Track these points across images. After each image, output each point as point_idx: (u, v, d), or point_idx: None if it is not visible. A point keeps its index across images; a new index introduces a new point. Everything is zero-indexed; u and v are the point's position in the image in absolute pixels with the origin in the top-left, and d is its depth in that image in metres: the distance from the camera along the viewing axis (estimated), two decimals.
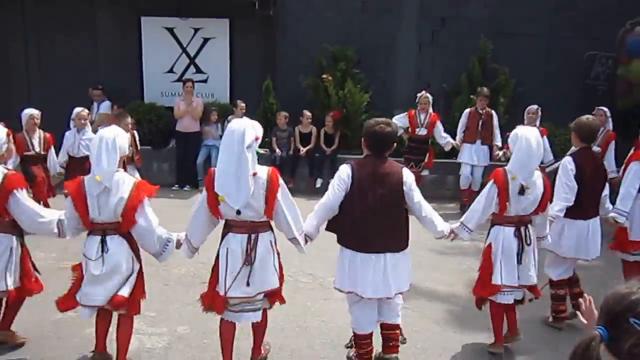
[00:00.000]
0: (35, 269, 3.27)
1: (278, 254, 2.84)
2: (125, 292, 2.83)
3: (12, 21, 8.38)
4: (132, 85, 8.30)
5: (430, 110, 6.73)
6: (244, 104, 7.61)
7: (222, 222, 2.83)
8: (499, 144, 6.71)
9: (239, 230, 2.70)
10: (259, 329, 2.98)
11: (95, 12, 8.33)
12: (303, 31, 8.26)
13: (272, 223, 2.82)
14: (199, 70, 8.46)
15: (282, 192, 2.72)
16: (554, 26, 8.20)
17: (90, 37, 8.33)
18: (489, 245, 3.20)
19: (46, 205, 4.95)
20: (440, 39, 8.43)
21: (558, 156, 6.33)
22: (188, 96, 7.62)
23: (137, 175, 5.99)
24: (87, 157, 5.73)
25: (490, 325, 3.32)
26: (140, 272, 2.94)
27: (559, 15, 8.19)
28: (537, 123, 6.30)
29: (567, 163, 3.48)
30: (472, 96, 7.28)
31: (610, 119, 5.86)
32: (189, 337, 3.43)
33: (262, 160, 2.83)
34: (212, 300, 2.80)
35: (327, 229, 2.99)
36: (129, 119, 6.07)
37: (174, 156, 7.79)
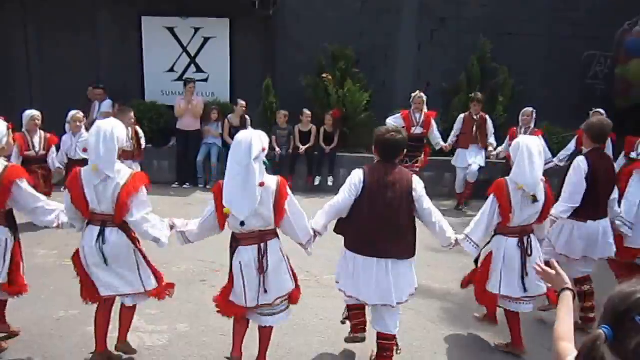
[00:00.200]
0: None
1: (287, 258, 2.88)
2: (151, 284, 2.93)
3: (13, 20, 8.42)
4: (133, 84, 8.35)
5: (425, 109, 6.74)
6: (244, 103, 7.65)
7: (222, 232, 2.86)
8: (494, 143, 6.73)
9: (248, 243, 2.73)
10: (265, 335, 2.96)
11: (97, 12, 8.37)
12: (303, 31, 8.28)
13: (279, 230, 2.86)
14: (199, 70, 8.50)
15: (290, 202, 2.76)
16: (553, 26, 8.22)
17: (92, 37, 8.36)
18: (490, 254, 3.20)
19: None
20: (439, 39, 8.46)
21: (557, 152, 6.38)
22: (189, 95, 7.65)
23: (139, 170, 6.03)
24: (85, 160, 5.82)
25: (488, 324, 3.37)
26: (146, 260, 2.97)
27: (558, 15, 8.20)
28: (532, 125, 6.34)
29: (580, 163, 3.41)
30: (471, 95, 7.30)
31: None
32: (189, 334, 3.46)
33: (268, 162, 2.86)
34: (229, 309, 2.85)
35: (336, 230, 3.02)
36: (132, 114, 6.10)
37: (174, 154, 7.84)
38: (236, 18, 8.32)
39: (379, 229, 2.85)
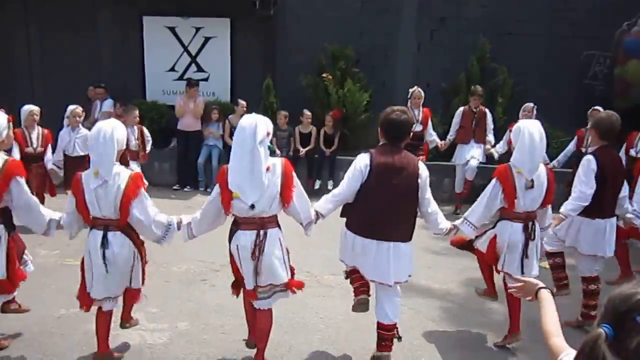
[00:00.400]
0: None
1: (287, 251, 2.86)
2: (137, 284, 2.98)
3: (15, 20, 8.43)
4: (134, 84, 8.36)
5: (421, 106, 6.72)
6: (244, 103, 7.65)
7: (227, 220, 2.87)
8: (492, 141, 6.72)
9: (247, 227, 2.71)
10: (262, 331, 2.93)
11: (98, 12, 8.38)
12: (303, 31, 8.29)
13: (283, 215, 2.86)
14: (200, 69, 8.52)
15: (295, 183, 2.78)
16: (553, 26, 8.22)
17: (93, 37, 8.37)
18: (495, 237, 3.22)
19: (41, 201, 4.97)
20: (439, 39, 8.46)
21: (553, 157, 6.34)
22: (191, 97, 7.66)
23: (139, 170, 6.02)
24: (83, 157, 5.77)
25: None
26: (143, 264, 3.00)
27: (557, 15, 8.21)
28: None
29: (589, 162, 3.39)
30: (471, 89, 7.28)
31: None
32: (189, 333, 3.47)
33: (272, 145, 2.88)
34: (244, 291, 2.89)
35: (342, 215, 3.02)
36: (137, 112, 6.07)
37: (175, 156, 7.82)
38: (237, 18, 8.33)
39: (384, 213, 2.85)
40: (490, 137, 6.76)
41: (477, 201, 3.24)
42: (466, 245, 3.52)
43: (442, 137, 6.95)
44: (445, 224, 3.11)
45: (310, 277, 4.43)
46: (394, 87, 8.28)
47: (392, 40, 8.47)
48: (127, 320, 3.31)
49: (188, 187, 7.67)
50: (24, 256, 3.25)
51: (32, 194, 3.05)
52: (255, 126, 2.64)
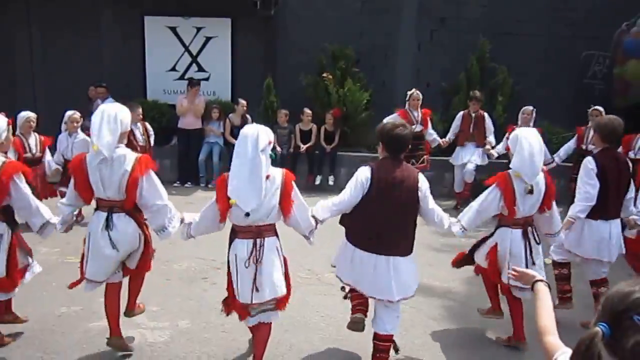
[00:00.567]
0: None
1: (285, 261, 2.86)
2: (132, 264, 2.97)
3: (17, 19, 8.45)
4: (135, 83, 8.38)
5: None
6: (245, 102, 7.67)
7: (226, 227, 2.87)
8: (492, 142, 6.73)
9: (244, 236, 2.72)
10: (261, 340, 2.90)
11: (100, 12, 8.41)
12: (303, 30, 8.31)
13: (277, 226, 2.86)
14: (201, 69, 8.54)
15: (295, 195, 2.78)
16: (552, 26, 8.24)
17: (95, 36, 8.40)
18: (495, 245, 3.21)
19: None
20: (439, 39, 8.48)
21: (554, 153, 6.40)
22: (193, 96, 7.67)
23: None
24: None
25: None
26: (147, 246, 2.98)
27: (556, 15, 8.22)
28: (531, 124, 6.34)
29: (588, 162, 3.42)
30: (470, 94, 7.31)
31: None
32: (190, 331, 3.47)
33: (274, 155, 2.88)
34: (233, 306, 2.84)
35: (341, 222, 3.02)
36: (140, 109, 6.08)
37: (176, 153, 7.86)
38: (238, 18, 8.36)
39: (385, 227, 2.86)
40: (491, 139, 6.80)
41: (472, 205, 3.25)
42: (464, 261, 3.49)
43: (442, 136, 6.97)
44: (447, 224, 3.13)
45: (311, 275, 4.43)
46: (394, 86, 8.30)
47: (392, 40, 8.48)
48: (132, 310, 3.27)
49: (189, 183, 7.70)
50: (29, 258, 3.25)
51: (35, 194, 3.06)
52: (257, 135, 2.66)
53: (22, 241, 3.18)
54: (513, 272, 1.78)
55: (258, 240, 2.70)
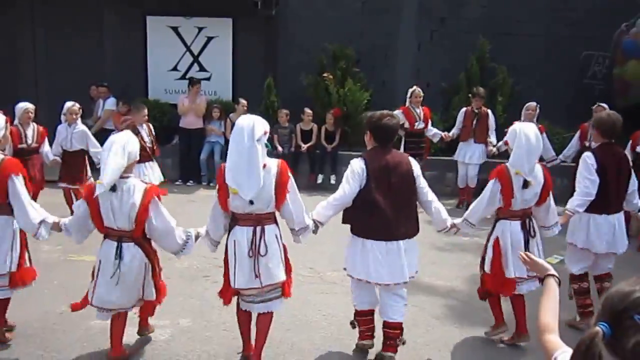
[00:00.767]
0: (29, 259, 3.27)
1: (284, 247, 2.88)
2: (150, 296, 2.94)
3: (21, 19, 8.48)
4: (136, 83, 8.40)
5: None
6: (245, 102, 7.67)
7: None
8: (494, 141, 6.73)
9: (244, 223, 2.75)
10: (261, 330, 2.93)
11: (103, 11, 8.44)
12: (304, 30, 8.32)
13: (277, 215, 2.88)
14: (202, 69, 8.56)
15: (291, 185, 2.80)
16: (551, 26, 8.26)
17: (98, 36, 8.43)
18: (497, 240, 3.22)
19: (34, 198, 4.95)
20: (439, 39, 8.49)
21: (558, 153, 6.39)
22: (194, 95, 7.67)
23: (157, 169, 5.97)
24: (81, 151, 5.75)
25: (491, 320, 3.36)
26: (155, 275, 2.96)
27: (555, 15, 8.24)
28: (535, 120, 6.33)
29: (587, 158, 3.44)
30: (470, 95, 7.32)
31: None
32: (191, 329, 3.46)
33: (269, 144, 2.89)
34: (224, 291, 2.88)
35: (344, 221, 3.03)
36: (145, 110, 6.07)
37: (177, 152, 7.88)
38: (239, 18, 8.38)
39: (389, 213, 2.90)
40: (493, 137, 6.79)
41: (477, 201, 3.28)
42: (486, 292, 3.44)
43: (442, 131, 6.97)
44: (446, 215, 3.17)
45: (313, 273, 4.43)
46: (394, 86, 8.30)
47: (392, 40, 8.49)
48: (145, 328, 3.29)
49: (191, 181, 7.70)
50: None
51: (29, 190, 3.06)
52: (253, 125, 2.69)
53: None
54: (525, 257, 1.72)
55: (258, 228, 2.74)
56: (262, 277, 2.75)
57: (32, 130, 5.31)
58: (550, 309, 1.45)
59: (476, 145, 6.76)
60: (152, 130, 6.27)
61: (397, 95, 8.05)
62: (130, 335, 3.29)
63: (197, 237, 2.96)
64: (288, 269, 2.91)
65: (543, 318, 1.42)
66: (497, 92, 7.94)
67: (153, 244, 2.96)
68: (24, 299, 3.47)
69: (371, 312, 3.13)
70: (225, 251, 2.86)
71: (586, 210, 3.47)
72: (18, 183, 2.92)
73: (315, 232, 2.98)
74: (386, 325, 3.08)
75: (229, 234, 2.82)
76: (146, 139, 5.90)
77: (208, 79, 8.49)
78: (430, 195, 3.10)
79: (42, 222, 2.95)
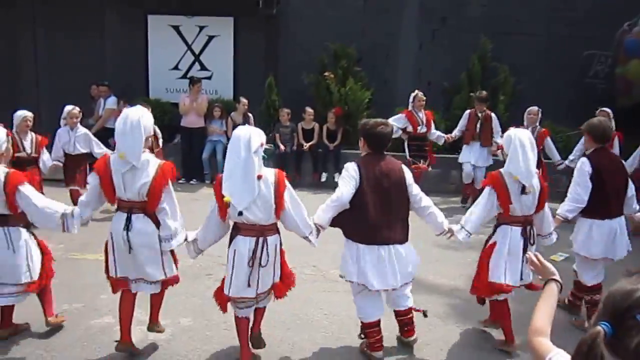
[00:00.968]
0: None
1: (282, 253, 2.94)
2: (172, 272, 2.98)
3: (22, 18, 8.48)
4: (137, 82, 8.41)
5: None
6: (246, 101, 7.66)
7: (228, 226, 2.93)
8: (499, 141, 6.69)
9: (247, 233, 2.78)
10: (257, 321, 3.11)
11: (104, 10, 8.45)
12: (305, 29, 8.32)
13: (280, 225, 2.92)
14: (203, 68, 8.56)
15: (289, 193, 2.83)
16: (552, 26, 8.25)
17: (99, 35, 8.43)
18: (493, 244, 3.20)
19: None
20: (440, 38, 8.48)
21: (562, 153, 6.36)
22: (195, 94, 7.66)
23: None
24: (83, 154, 5.71)
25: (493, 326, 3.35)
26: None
27: (556, 15, 8.22)
28: (538, 124, 6.31)
29: (582, 164, 3.44)
30: (471, 94, 7.30)
31: (613, 120, 5.86)
32: (192, 329, 3.45)
33: (268, 155, 2.94)
34: (219, 298, 2.94)
35: (332, 224, 3.07)
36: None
37: (179, 151, 7.86)
38: (240, 17, 8.38)
39: (380, 218, 2.96)
40: (498, 139, 6.76)
41: (472, 209, 3.26)
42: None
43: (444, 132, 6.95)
44: (442, 218, 3.20)
45: (316, 272, 4.41)
46: (395, 85, 8.29)
47: (394, 40, 8.48)
48: (155, 323, 3.27)
49: (194, 180, 7.69)
50: None
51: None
52: (250, 136, 2.75)
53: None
54: (534, 258, 1.66)
55: (260, 239, 2.78)
56: (259, 286, 2.82)
57: (30, 140, 5.19)
58: (546, 313, 1.42)
59: (482, 149, 6.69)
60: (157, 132, 6.19)
61: (398, 95, 8.04)
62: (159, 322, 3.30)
63: (185, 239, 2.98)
64: (284, 273, 2.96)
65: (537, 321, 1.39)
66: (498, 92, 7.92)
67: None
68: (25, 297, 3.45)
69: (378, 323, 3.13)
70: (227, 258, 2.88)
71: (588, 216, 3.46)
72: (27, 192, 2.95)
73: (317, 235, 3.02)
74: (398, 314, 3.18)
75: (230, 244, 2.85)
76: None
77: (209, 78, 8.49)
78: (425, 202, 3.14)
79: (63, 216, 2.96)
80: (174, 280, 3.09)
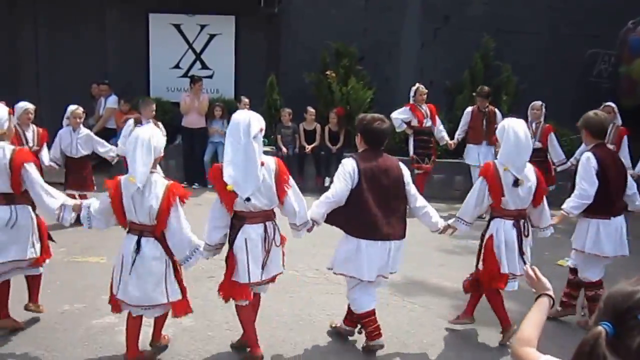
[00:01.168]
0: (50, 238, 3.39)
1: (282, 238, 2.97)
2: (176, 296, 2.90)
3: (23, 15, 8.45)
4: (138, 81, 8.37)
5: None
6: (247, 100, 7.61)
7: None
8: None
9: (254, 221, 2.81)
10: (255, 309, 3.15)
11: (105, 9, 8.41)
12: (307, 28, 8.28)
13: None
14: (204, 66, 8.53)
15: (290, 181, 2.87)
16: (556, 24, 8.20)
17: (100, 34, 8.40)
18: (491, 237, 3.19)
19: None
20: (443, 37, 8.44)
21: (566, 157, 6.28)
22: (196, 93, 7.62)
23: (159, 170, 5.91)
24: (86, 157, 5.65)
25: (498, 321, 3.31)
26: (177, 273, 2.92)
27: (560, 13, 8.18)
28: (542, 119, 6.21)
29: (588, 160, 3.34)
30: (474, 94, 7.25)
31: (618, 115, 5.80)
32: (193, 329, 3.43)
33: (267, 140, 2.92)
34: (232, 290, 2.87)
35: (327, 221, 3.07)
36: (154, 105, 5.97)
37: (181, 152, 7.80)
38: (241, 15, 8.35)
39: (381, 214, 2.97)
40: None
41: (467, 200, 3.26)
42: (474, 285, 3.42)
43: (448, 134, 6.86)
44: (437, 218, 3.21)
45: (318, 274, 4.38)
46: (397, 84, 8.25)
47: (396, 38, 8.44)
48: (158, 341, 3.18)
49: (196, 184, 7.60)
50: None
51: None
52: (249, 122, 2.73)
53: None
54: (530, 270, 1.63)
55: (267, 223, 2.84)
56: (273, 269, 2.91)
57: (32, 132, 5.15)
58: (536, 324, 1.40)
59: (488, 148, 6.48)
60: (160, 127, 6.17)
61: (400, 94, 7.99)
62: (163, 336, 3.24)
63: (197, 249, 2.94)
64: (283, 261, 3.04)
65: (526, 331, 1.38)
66: (501, 91, 7.87)
67: None
68: (26, 298, 3.44)
69: (373, 312, 3.14)
70: (230, 250, 2.85)
71: (592, 215, 3.41)
72: (32, 171, 2.96)
73: (309, 230, 3.03)
74: (361, 317, 3.13)
75: (237, 234, 2.82)
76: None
77: (210, 76, 8.45)
78: (420, 201, 3.16)
79: (62, 206, 2.97)
80: (181, 307, 2.99)
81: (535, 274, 1.59)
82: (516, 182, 3.06)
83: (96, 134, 6.13)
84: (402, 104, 7.20)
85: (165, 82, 8.48)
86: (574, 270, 3.63)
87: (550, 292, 1.51)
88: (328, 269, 3.20)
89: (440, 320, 3.70)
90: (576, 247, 3.55)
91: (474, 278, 3.39)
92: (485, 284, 3.28)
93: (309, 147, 7.57)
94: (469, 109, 6.75)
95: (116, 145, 5.86)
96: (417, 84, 6.67)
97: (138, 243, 2.79)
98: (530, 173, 3.14)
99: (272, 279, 3.02)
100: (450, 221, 3.23)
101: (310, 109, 7.67)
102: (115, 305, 2.94)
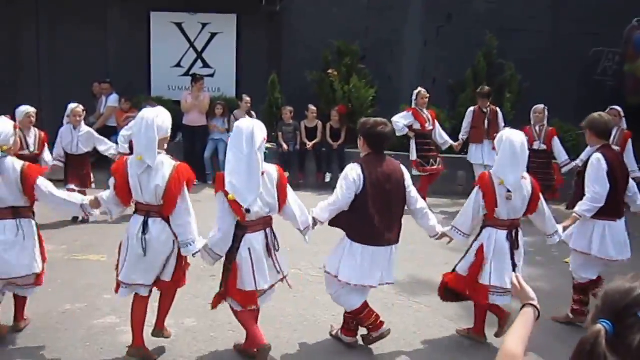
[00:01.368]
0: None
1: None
2: (167, 276, 2.92)
3: (24, 14, 8.42)
4: (139, 79, 8.34)
5: None
6: (249, 98, 7.59)
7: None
8: None
9: (255, 229, 2.83)
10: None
11: (107, 7, 8.38)
12: (309, 27, 8.26)
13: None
14: (206, 65, 8.50)
15: (289, 188, 2.93)
16: (559, 22, 8.19)
17: (102, 32, 8.37)
18: (482, 245, 3.16)
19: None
20: (445, 35, 8.41)
21: (571, 153, 6.25)
22: (197, 92, 7.60)
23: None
24: (86, 154, 5.65)
25: (496, 319, 3.29)
26: (181, 258, 2.94)
27: (563, 11, 8.15)
28: (545, 123, 6.20)
29: (599, 161, 3.29)
30: (478, 91, 7.21)
31: (624, 119, 5.77)
32: (196, 329, 3.41)
33: (269, 155, 2.93)
34: (241, 297, 2.87)
35: (331, 224, 3.09)
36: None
37: (181, 150, 7.78)
38: (243, 14, 8.33)
39: (383, 220, 2.99)
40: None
41: (463, 209, 3.24)
42: (450, 296, 3.38)
43: (450, 134, 6.84)
44: (435, 222, 3.21)
45: (322, 273, 4.31)
46: (399, 83, 8.23)
47: (398, 37, 8.41)
48: (161, 330, 3.18)
49: (196, 181, 7.58)
50: None
51: None
52: (253, 132, 2.74)
53: None
54: (515, 280, 1.55)
55: (268, 230, 2.88)
56: (279, 272, 2.94)
57: (33, 136, 5.10)
58: (521, 337, 1.34)
59: (491, 147, 6.37)
60: None
61: (402, 92, 7.96)
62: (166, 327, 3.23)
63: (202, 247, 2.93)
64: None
65: (510, 344, 1.31)
66: (505, 89, 7.83)
67: None
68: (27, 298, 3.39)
69: (366, 303, 3.13)
70: (231, 260, 2.84)
71: (599, 217, 3.36)
72: (44, 186, 2.99)
73: (312, 227, 3.04)
74: (355, 312, 3.12)
75: (239, 245, 2.82)
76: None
77: (212, 75, 8.43)
78: (420, 203, 3.18)
79: (82, 205, 3.05)
80: (182, 282, 3.09)
81: (519, 282, 1.52)
82: (508, 196, 3.04)
83: (97, 131, 6.10)
84: (404, 102, 7.16)
85: (167, 81, 8.45)
86: (594, 284, 3.54)
87: (535, 302, 1.44)
88: (326, 272, 3.18)
89: (447, 321, 3.67)
90: (577, 247, 3.49)
91: (442, 284, 3.35)
92: (468, 293, 3.25)
93: (310, 144, 7.56)
94: (471, 109, 6.76)
95: (116, 144, 5.84)
96: (419, 88, 6.65)
97: (145, 224, 2.79)
98: (526, 184, 3.11)
99: (282, 279, 3.03)
100: (446, 229, 3.22)
101: (312, 107, 7.66)
102: (119, 285, 2.95)
